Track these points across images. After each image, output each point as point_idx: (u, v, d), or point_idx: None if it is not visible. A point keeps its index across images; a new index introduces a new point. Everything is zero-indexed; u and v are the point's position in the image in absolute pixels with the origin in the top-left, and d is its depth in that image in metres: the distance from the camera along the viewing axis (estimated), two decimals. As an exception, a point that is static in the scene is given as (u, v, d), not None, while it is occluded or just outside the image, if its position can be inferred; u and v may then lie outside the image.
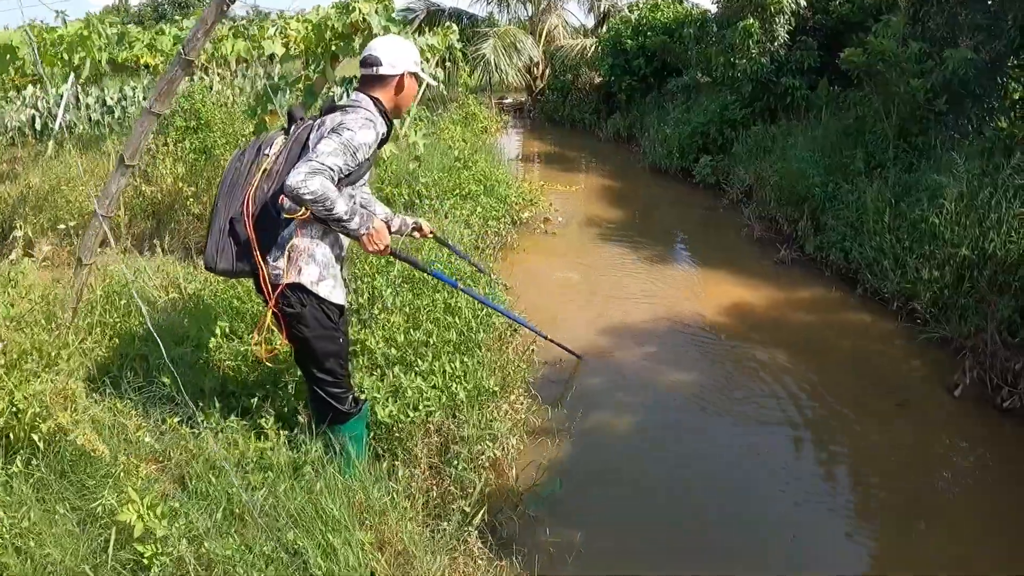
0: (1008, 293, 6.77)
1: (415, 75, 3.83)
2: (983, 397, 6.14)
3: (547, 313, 7.48)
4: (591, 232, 11.30)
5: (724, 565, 4.47)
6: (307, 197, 3.23)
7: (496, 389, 5.30)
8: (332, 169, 3.31)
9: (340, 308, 3.82)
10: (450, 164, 11.07)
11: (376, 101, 3.71)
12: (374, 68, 3.74)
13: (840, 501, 5.10)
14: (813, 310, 8.13)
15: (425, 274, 4.72)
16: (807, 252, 9.57)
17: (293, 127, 3.79)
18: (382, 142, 3.75)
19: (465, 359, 5.36)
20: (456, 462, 4.64)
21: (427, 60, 13.71)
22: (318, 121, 3.70)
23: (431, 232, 4.82)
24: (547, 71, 25.01)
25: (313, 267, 3.65)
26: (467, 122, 16.58)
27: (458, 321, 5.84)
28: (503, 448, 5.05)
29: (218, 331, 5.17)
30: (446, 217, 8.89)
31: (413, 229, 4.67)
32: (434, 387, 5.01)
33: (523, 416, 5.46)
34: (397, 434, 4.74)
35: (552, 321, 7.16)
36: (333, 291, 3.75)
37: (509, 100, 27.57)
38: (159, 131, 9.17)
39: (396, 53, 3.75)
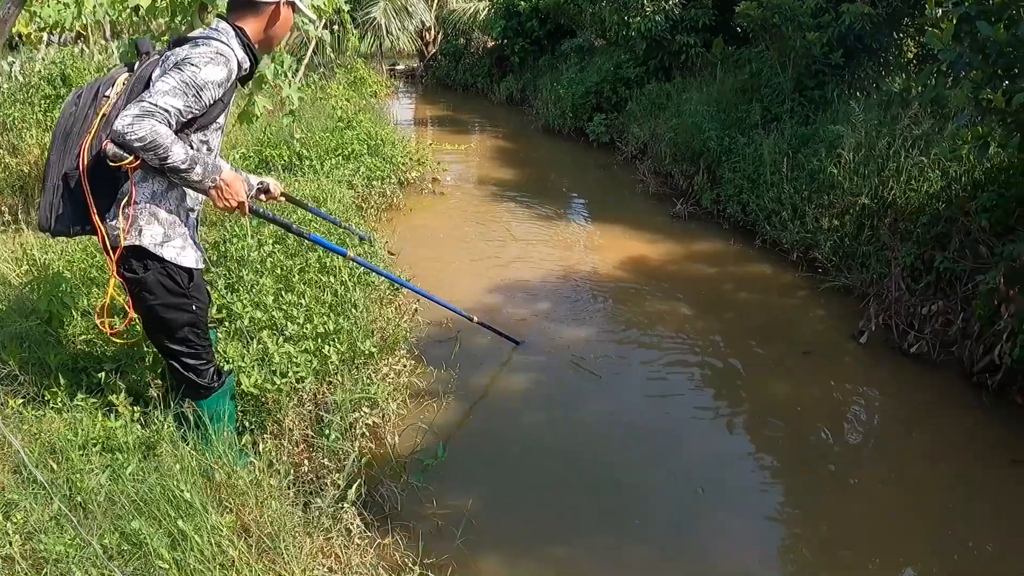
0: (910, 240, 6.46)
1: (292, 4, 3.21)
2: (889, 343, 5.82)
3: (433, 274, 6.84)
4: (482, 192, 10.64)
5: (624, 525, 3.98)
6: (135, 144, 2.70)
7: (373, 351, 4.78)
8: (167, 111, 2.76)
9: (190, 272, 3.24)
10: (333, 125, 10.31)
11: (240, 32, 3.08)
12: None
13: (748, 452, 4.65)
14: (712, 262, 7.71)
15: (303, 239, 3.95)
16: (704, 206, 9.18)
17: (137, 64, 3.13)
18: (245, 79, 3.16)
19: (340, 320, 4.74)
20: (328, 432, 4.02)
21: (312, 22, 12.77)
22: (164, 55, 3.03)
23: (281, 194, 4.02)
24: (439, 36, 24.15)
25: (156, 226, 3.08)
26: (355, 86, 15.70)
27: (334, 280, 5.22)
28: (382, 414, 4.50)
29: (70, 303, 4.49)
30: (327, 178, 8.21)
31: (259, 191, 3.89)
32: (305, 351, 4.38)
33: (405, 379, 4.97)
34: (267, 405, 4.10)
35: (439, 282, 6.54)
36: (181, 253, 3.17)
37: (401, 66, 26.51)
38: (25, 100, 8.07)
39: None
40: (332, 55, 19.06)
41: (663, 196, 9.92)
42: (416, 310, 5.94)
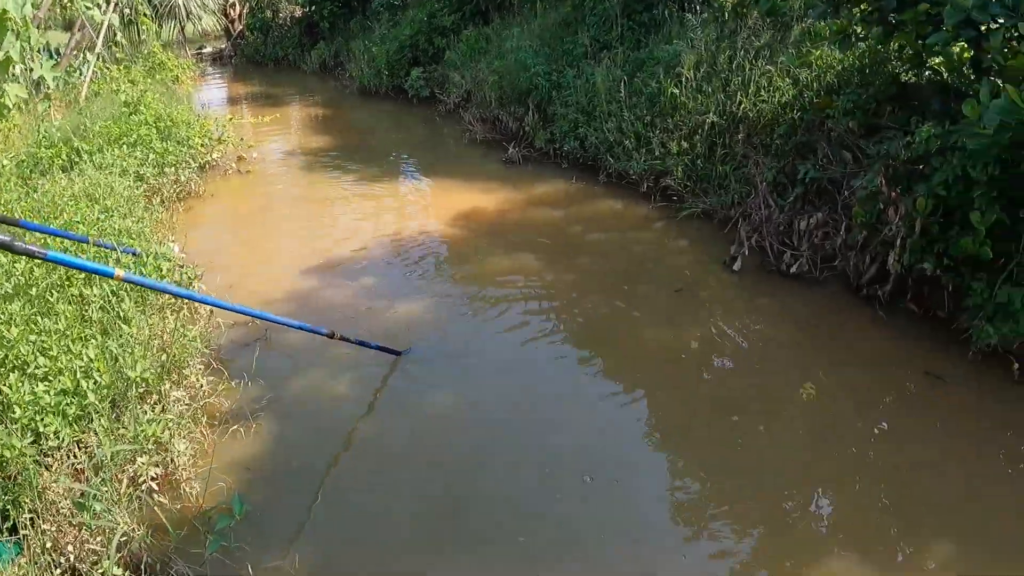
0: (769, 154, 5.68)
1: None
2: (765, 266, 5.04)
3: (238, 266, 5.56)
4: (297, 165, 9.27)
5: (506, 544, 3.01)
6: None
7: (147, 377, 3.48)
8: None
9: None
10: (118, 111, 8.69)
11: None
12: None
13: (635, 419, 3.74)
14: (556, 205, 6.76)
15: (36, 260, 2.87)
16: (538, 147, 8.21)
17: None
18: None
19: (107, 341, 3.49)
20: (88, 503, 2.80)
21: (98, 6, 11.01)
22: None
23: None
24: (244, 11, 22.20)
25: None
26: (154, 73, 13.83)
27: (96, 292, 3.90)
28: (170, 458, 3.32)
29: None
30: (109, 171, 6.61)
31: None
32: (62, 392, 3.16)
33: (200, 403, 3.75)
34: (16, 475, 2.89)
35: (245, 274, 5.35)
36: None
37: (208, 49, 24.28)
38: None
39: None
40: (126, 44, 17.01)
41: (493, 143, 8.89)
42: (212, 311, 4.62)
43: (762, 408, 3.71)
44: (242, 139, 9.52)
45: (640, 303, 4.79)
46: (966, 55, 4.68)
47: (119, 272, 2.84)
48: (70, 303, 3.81)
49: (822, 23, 5.68)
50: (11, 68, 4.83)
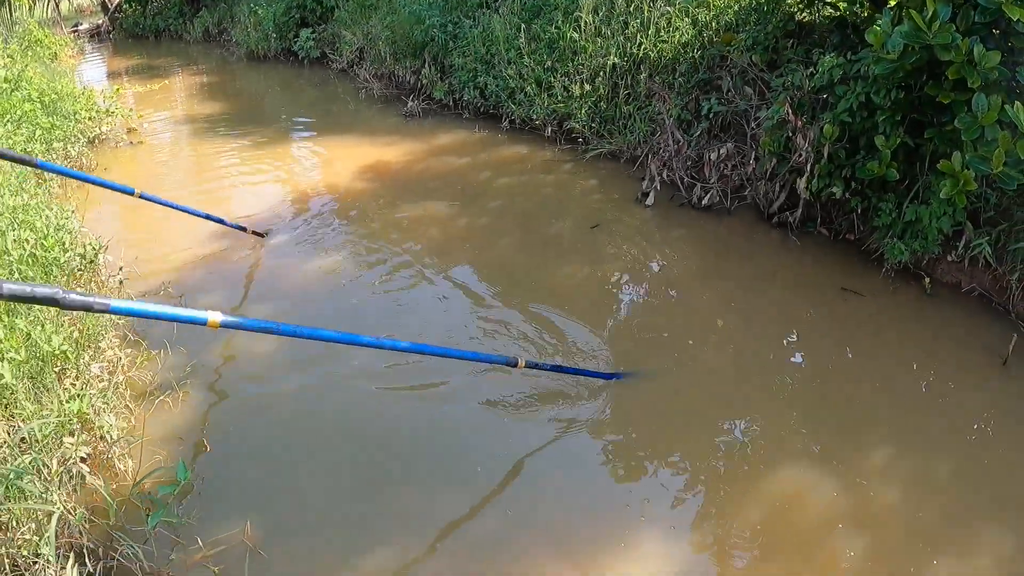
0: (673, 92, 5.56)
1: None
2: (676, 200, 4.92)
3: (138, 242, 5.00)
4: (188, 132, 8.63)
5: (443, 483, 2.79)
6: None
7: (66, 350, 3.15)
8: None
9: None
10: None
11: None
12: None
13: (556, 334, 3.55)
14: (461, 154, 6.47)
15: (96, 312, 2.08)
16: (438, 99, 7.86)
17: None
18: None
19: (16, 320, 3.16)
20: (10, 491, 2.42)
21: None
22: None
23: None
24: (120, -17, 20.84)
25: None
26: (30, 51, 12.76)
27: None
28: (99, 436, 2.96)
29: None
30: None
31: None
32: None
33: (122, 376, 3.39)
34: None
35: (151, 246, 4.88)
36: None
37: (85, 25, 22.74)
38: None
39: None
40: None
41: (390, 98, 8.52)
42: (122, 281, 4.14)
43: (685, 334, 3.58)
44: (131, 110, 8.88)
45: (556, 241, 4.59)
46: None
47: (214, 319, 2.16)
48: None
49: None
50: None
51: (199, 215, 4.63)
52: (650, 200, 4.83)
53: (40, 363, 3.06)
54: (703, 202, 4.72)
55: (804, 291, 3.91)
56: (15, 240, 3.88)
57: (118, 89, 9.52)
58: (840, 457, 2.78)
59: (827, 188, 4.24)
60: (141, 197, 4.18)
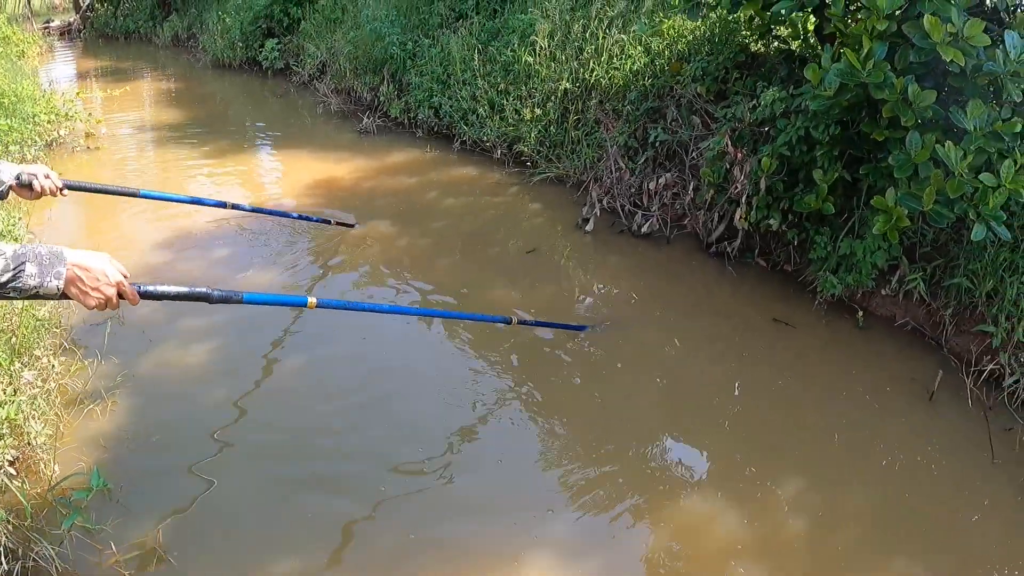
0: (620, 119, 5.50)
1: None
2: (616, 227, 4.84)
3: (93, 247, 4.77)
4: (147, 139, 8.45)
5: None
6: None
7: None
8: None
9: None
10: None
11: None
12: None
13: (482, 359, 3.43)
14: (410, 173, 6.35)
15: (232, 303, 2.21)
16: (393, 116, 7.76)
17: None
18: None
19: None
20: None
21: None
22: None
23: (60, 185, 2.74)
24: (92, -17, 20.59)
25: None
26: None
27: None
28: (26, 441, 2.97)
29: None
30: None
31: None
32: None
33: (54, 384, 3.38)
34: None
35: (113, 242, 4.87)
36: None
37: (56, 23, 22.42)
38: None
39: None
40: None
41: (347, 114, 8.39)
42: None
43: (616, 360, 3.48)
44: (90, 115, 8.62)
45: (492, 264, 4.50)
46: (811, 25, 4.63)
47: (312, 301, 2.45)
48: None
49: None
50: None
51: (291, 216, 4.92)
52: (590, 226, 4.74)
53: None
54: (643, 230, 4.64)
55: (738, 320, 3.85)
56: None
57: (79, 93, 9.24)
58: (752, 484, 2.72)
59: (765, 220, 4.19)
60: (232, 207, 4.31)
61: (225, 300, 2.12)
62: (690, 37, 5.82)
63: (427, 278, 4.34)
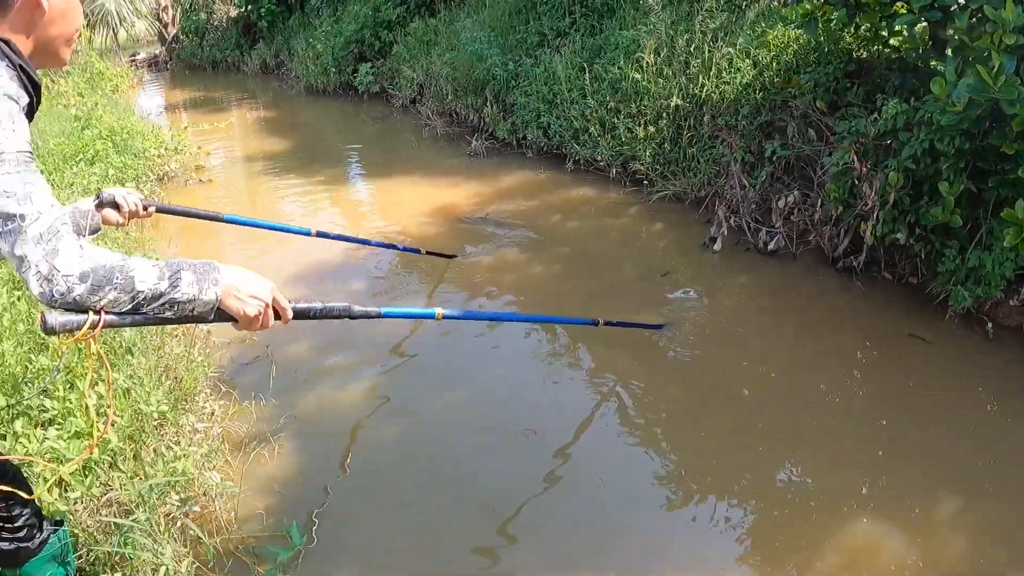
0: (736, 134, 5.84)
1: None
2: (742, 245, 5.20)
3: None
4: (253, 170, 9.02)
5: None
6: (78, 290, 1.59)
7: (164, 410, 3.31)
8: (54, 216, 1.59)
9: None
10: (69, 127, 8.49)
11: (2, 44, 1.69)
12: None
13: (628, 387, 3.80)
14: (528, 196, 6.81)
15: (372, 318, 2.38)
16: (501, 138, 8.26)
17: None
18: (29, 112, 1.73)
19: (115, 375, 3.33)
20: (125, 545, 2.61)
21: None
22: None
23: (147, 206, 2.85)
24: (177, 14, 21.79)
25: None
26: (93, 83, 13.49)
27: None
28: (203, 491, 3.12)
29: None
30: (71, 187, 6.42)
31: (99, 211, 2.63)
32: (76, 435, 2.96)
33: (219, 430, 3.57)
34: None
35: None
36: None
37: (143, 55, 23.75)
38: None
39: None
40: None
41: (453, 136, 8.93)
42: (208, 330, 4.39)
43: (751, 381, 3.83)
44: (199, 147, 9.33)
45: (627, 289, 4.89)
46: (925, 34, 4.89)
47: (439, 312, 2.65)
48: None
49: (783, 6, 5.78)
50: None
51: (379, 245, 5.14)
52: (717, 246, 5.11)
53: (140, 423, 3.20)
54: (769, 247, 4.98)
55: (871, 337, 4.13)
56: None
57: (186, 127, 10.01)
58: (907, 505, 2.99)
59: (891, 234, 4.48)
60: (318, 235, 4.46)
61: (365, 315, 2.23)
62: (795, 47, 6.13)
63: (567, 308, 4.74)
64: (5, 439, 2.89)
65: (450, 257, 5.45)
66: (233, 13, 19.44)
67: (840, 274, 4.74)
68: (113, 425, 3.03)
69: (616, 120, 6.80)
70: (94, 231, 2.58)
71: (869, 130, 4.70)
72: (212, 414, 3.70)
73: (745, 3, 6.91)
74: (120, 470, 2.96)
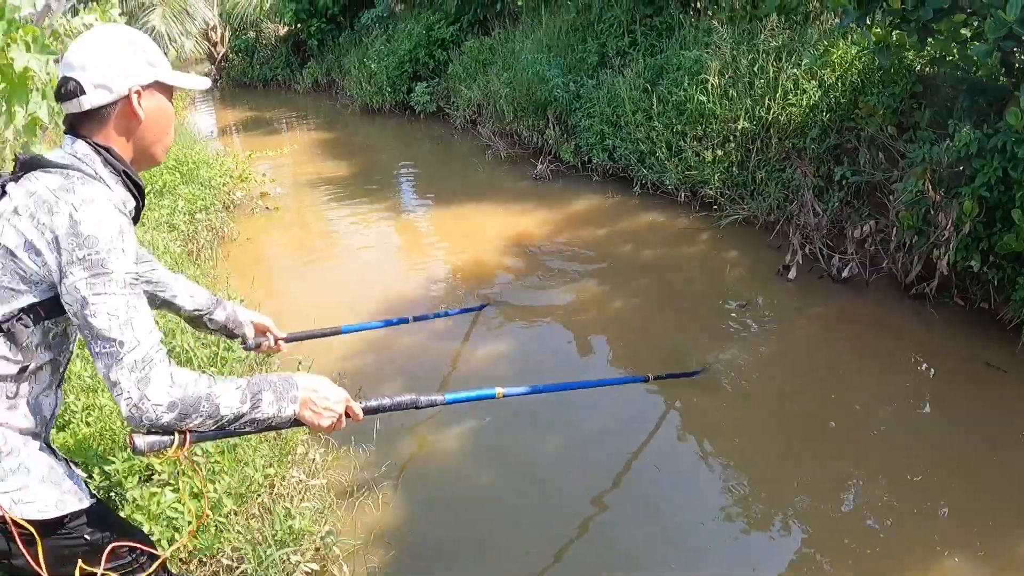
0: (805, 158, 6.03)
1: (158, 85, 1.98)
2: (815, 272, 5.40)
3: (300, 313, 5.21)
4: (317, 196, 9.20)
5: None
6: (170, 419, 1.72)
7: (271, 470, 3.37)
8: (151, 344, 1.74)
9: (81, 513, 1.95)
10: None
11: (104, 153, 1.88)
12: (76, 99, 1.85)
13: (718, 429, 4.03)
14: (598, 222, 7.01)
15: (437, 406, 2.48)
16: (565, 160, 8.49)
17: None
18: (133, 220, 1.96)
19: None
20: None
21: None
22: (17, 203, 1.79)
23: (280, 338, 2.93)
24: (226, 33, 22.37)
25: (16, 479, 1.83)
26: None
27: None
28: (316, 547, 3.15)
29: None
30: (143, 224, 6.53)
31: (244, 337, 2.82)
32: (195, 496, 3.04)
33: (321, 480, 3.58)
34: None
35: (305, 319, 4.78)
36: (62, 499, 1.90)
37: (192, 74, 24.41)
38: None
39: (109, 61, 1.86)
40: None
41: (517, 158, 9.18)
42: (308, 366, 4.47)
43: (838, 412, 4.01)
44: (264, 175, 9.47)
45: (709, 322, 5.07)
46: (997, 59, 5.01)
47: (499, 391, 2.75)
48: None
49: (856, 29, 5.88)
50: (38, 130, 4.70)
51: (437, 316, 5.10)
52: (792, 274, 5.31)
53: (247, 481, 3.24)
54: (842, 275, 5.17)
55: (946, 366, 4.30)
56: (201, 343, 4.26)
57: (251, 155, 10.18)
58: (988, 540, 3.10)
59: (965, 262, 4.64)
60: (415, 320, 4.65)
61: (431, 404, 2.32)
62: (858, 66, 6.27)
63: (650, 342, 4.89)
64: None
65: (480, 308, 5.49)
66: (282, 32, 19.91)
67: (913, 301, 4.92)
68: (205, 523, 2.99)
69: (683, 143, 6.99)
70: (232, 337, 2.79)
71: (943, 157, 4.85)
72: (314, 463, 3.67)
73: (803, 17, 7.06)
74: (233, 532, 3.01)
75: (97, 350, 1.70)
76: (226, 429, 1.81)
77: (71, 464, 2.01)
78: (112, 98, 1.87)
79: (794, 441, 3.85)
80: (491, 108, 10.16)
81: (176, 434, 1.74)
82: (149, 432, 1.73)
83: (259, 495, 3.25)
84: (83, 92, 1.84)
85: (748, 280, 5.57)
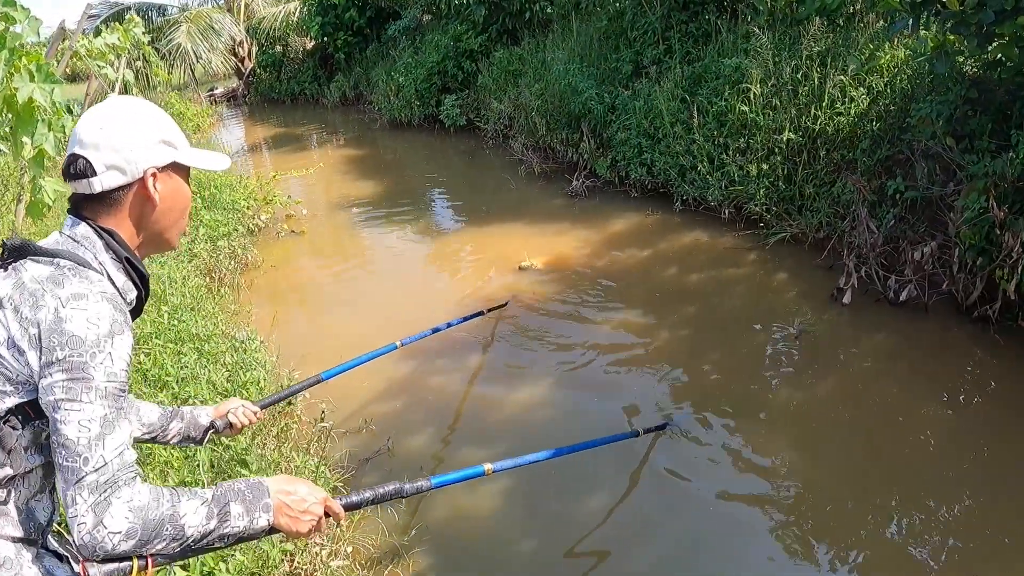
0: (856, 171, 5.84)
1: (176, 166, 1.87)
2: (870, 294, 5.22)
3: (324, 348, 5.26)
4: (345, 218, 9.16)
5: None
6: (124, 547, 1.57)
7: (288, 545, 3.22)
8: (119, 466, 1.60)
9: None
10: None
11: (107, 237, 1.77)
12: (86, 180, 1.74)
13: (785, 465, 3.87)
14: (640, 243, 6.86)
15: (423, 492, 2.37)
16: (601, 175, 8.37)
17: None
18: (134, 312, 1.87)
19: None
20: None
21: (111, 63, 11.23)
22: (1, 295, 1.66)
23: (252, 416, 2.63)
24: (253, 48, 22.57)
25: None
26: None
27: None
28: None
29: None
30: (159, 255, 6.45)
31: (210, 430, 2.50)
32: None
33: (350, 548, 3.40)
34: None
35: (334, 355, 4.35)
36: None
37: (220, 90, 24.62)
38: None
39: (123, 139, 1.74)
40: (139, 95, 17.32)
41: (551, 173, 9.08)
42: (330, 428, 4.27)
43: (900, 445, 3.87)
44: (289, 197, 9.44)
45: (764, 354, 4.89)
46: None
47: (488, 468, 2.64)
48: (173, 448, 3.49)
49: (909, 34, 5.68)
50: (45, 161, 4.63)
51: (453, 323, 4.97)
52: (847, 298, 5.14)
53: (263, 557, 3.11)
54: (900, 297, 4.99)
55: (1013, 392, 4.13)
56: (207, 381, 4.18)
57: (275, 175, 9.99)
58: None
59: (1029, 283, 4.45)
60: (403, 344, 4.31)
61: (417, 491, 2.20)
62: (908, 71, 6.07)
63: (705, 384, 4.65)
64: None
65: (502, 306, 5.65)
66: (309, 45, 20.05)
67: (975, 324, 4.74)
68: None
69: (725, 156, 6.84)
70: (199, 443, 2.51)
71: (1006, 171, 4.65)
72: (337, 526, 3.40)
73: (845, 19, 6.87)
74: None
75: (60, 461, 1.57)
76: (192, 549, 1.66)
77: (73, 564, 1.91)
78: (126, 180, 1.76)
79: (865, 484, 3.68)
80: (523, 121, 10.10)
81: (135, 559, 1.59)
82: (104, 561, 1.59)
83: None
84: (94, 173, 1.72)
85: (801, 305, 5.39)
